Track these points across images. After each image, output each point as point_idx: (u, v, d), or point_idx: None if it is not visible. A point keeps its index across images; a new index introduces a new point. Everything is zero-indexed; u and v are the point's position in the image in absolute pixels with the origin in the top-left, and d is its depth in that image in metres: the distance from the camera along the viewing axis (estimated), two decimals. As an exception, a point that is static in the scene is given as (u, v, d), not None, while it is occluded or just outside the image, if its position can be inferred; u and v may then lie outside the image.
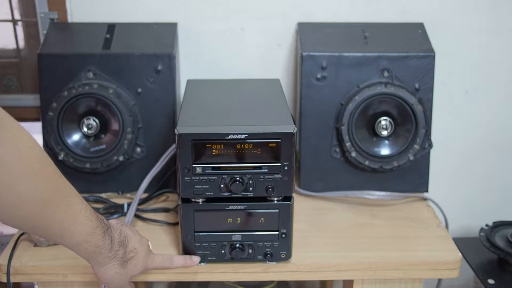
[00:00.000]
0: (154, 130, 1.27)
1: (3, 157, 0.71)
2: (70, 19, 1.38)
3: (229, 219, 1.02)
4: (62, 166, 1.25)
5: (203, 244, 1.03)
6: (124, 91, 1.25)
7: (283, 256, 1.04)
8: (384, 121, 1.24)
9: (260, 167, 0.99)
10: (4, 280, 1.02)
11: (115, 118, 1.23)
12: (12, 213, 0.77)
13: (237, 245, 1.03)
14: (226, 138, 0.96)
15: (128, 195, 1.28)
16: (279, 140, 0.97)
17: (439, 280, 1.38)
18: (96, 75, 1.24)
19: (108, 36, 1.30)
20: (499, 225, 1.41)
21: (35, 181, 0.76)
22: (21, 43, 1.47)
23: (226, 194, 1.00)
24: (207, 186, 0.99)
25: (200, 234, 1.02)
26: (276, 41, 1.42)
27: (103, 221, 0.89)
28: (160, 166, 1.22)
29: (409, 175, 1.29)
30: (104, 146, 1.24)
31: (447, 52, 1.41)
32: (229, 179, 0.99)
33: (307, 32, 1.34)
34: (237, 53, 1.42)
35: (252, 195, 1.00)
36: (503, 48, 1.43)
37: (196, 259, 1.03)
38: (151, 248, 1.01)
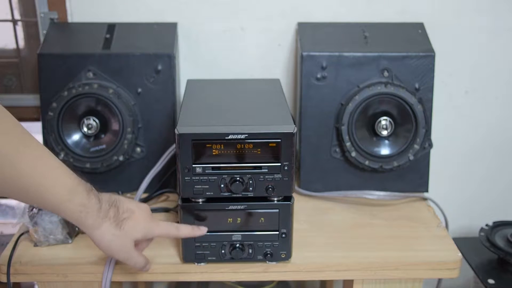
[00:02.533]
0: (154, 130, 1.27)
1: None
2: (70, 19, 1.38)
3: (229, 219, 1.02)
4: (62, 166, 1.25)
5: (203, 244, 1.03)
6: (124, 91, 1.25)
7: (283, 256, 1.04)
8: (384, 121, 1.24)
9: (260, 167, 0.99)
10: (4, 280, 1.02)
11: (115, 118, 1.23)
12: None
13: (237, 245, 1.03)
14: (226, 138, 0.96)
15: (128, 195, 1.28)
16: (279, 140, 0.97)
17: (439, 280, 1.38)
18: (96, 75, 1.24)
19: (108, 36, 1.30)
20: (499, 225, 1.41)
21: None
22: (21, 43, 1.47)
23: (226, 194, 1.00)
24: (207, 186, 0.99)
25: (200, 234, 1.02)
26: (276, 41, 1.42)
27: (85, 182, 0.86)
28: (160, 166, 1.22)
29: (409, 175, 1.29)
30: (104, 146, 1.24)
31: (447, 52, 1.41)
32: (229, 179, 0.99)
33: (307, 32, 1.34)
34: (237, 53, 1.42)
35: (252, 195, 1.00)
36: (503, 48, 1.43)
37: (204, 229, 0.99)
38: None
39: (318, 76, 1.26)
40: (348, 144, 1.25)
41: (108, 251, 0.90)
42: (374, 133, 1.26)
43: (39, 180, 0.79)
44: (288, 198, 1.02)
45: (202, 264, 1.04)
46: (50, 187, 0.81)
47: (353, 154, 1.25)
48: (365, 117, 1.25)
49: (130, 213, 0.91)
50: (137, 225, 0.91)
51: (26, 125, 1.66)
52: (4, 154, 0.76)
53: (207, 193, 1.00)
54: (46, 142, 1.25)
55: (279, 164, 0.99)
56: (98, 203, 0.86)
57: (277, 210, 1.02)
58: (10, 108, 1.57)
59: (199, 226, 0.99)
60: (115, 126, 1.24)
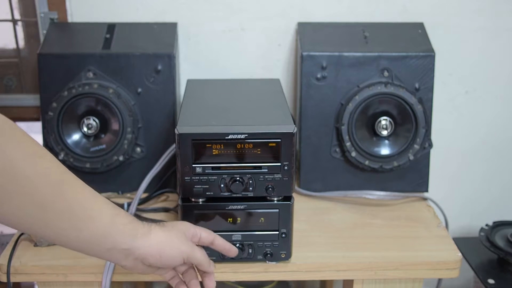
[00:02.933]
0: (154, 130, 1.27)
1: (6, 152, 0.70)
2: (70, 19, 1.38)
3: (229, 219, 1.02)
4: (62, 166, 1.25)
5: (203, 244, 1.03)
6: (124, 91, 1.25)
7: (283, 256, 1.04)
8: (384, 121, 1.24)
9: (260, 167, 0.99)
10: (4, 280, 1.02)
11: (115, 118, 1.23)
12: (29, 202, 0.73)
13: (237, 245, 1.03)
14: (226, 138, 0.96)
15: (128, 195, 1.28)
16: (279, 140, 0.97)
17: (439, 280, 1.38)
18: (96, 75, 1.24)
19: (108, 36, 1.30)
20: (499, 225, 1.41)
21: (42, 163, 0.74)
22: (21, 43, 1.47)
23: (226, 194, 1.00)
24: (207, 186, 0.99)
25: (200, 234, 1.02)
26: (276, 41, 1.42)
27: None
28: (160, 166, 1.22)
29: (409, 175, 1.29)
30: (104, 146, 1.24)
31: (447, 52, 1.41)
32: (229, 179, 0.99)
33: (307, 32, 1.34)
34: (237, 53, 1.42)
35: (252, 195, 1.00)
36: (503, 48, 1.43)
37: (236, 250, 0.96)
38: None
39: (318, 76, 1.26)
40: (348, 144, 1.25)
41: (170, 246, 0.85)
42: (374, 133, 1.26)
43: (91, 205, 0.79)
44: (288, 198, 1.02)
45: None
46: (102, 209, 0.80)
47: (353, 154, 1.25)
48: (365, 117, 1.25)
49: (164, 222, 0.90)
50: (178, 223, 0.89)
51: (26, 125, 1.66)
52: (55, 183, 0.76)
53: (207, 193, 1.00)
54: (46, 142, 1.25)
55: (279, 164, 0.99)
56: (136, 218, 0.85)
57: (277, 210, 1.02)
58: (10, 108, 1.57)
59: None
60: (115, 126, 1.24)
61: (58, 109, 1.22)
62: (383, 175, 1.28)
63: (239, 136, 0.96)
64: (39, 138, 1.27)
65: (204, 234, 0.91)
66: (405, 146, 1.25)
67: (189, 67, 1.43)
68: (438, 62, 1.31)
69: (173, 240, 0.86)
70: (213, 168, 0.99)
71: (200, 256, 0.89)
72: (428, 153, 1.28)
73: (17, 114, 1.48)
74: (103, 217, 0.80)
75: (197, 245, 0.91)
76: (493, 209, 1.56)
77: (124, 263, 0.83)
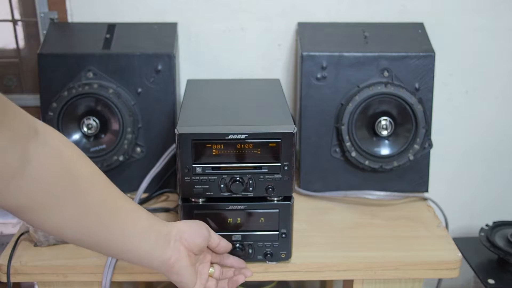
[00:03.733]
0: (154, 130, 1.27)
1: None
2: (70, 19, 1.38)
3: (229, 219, 1.02)
4: (62, 166, 1.25)
5: (203, 244, 1.02)
6: (124, 91, 1.25)
7: (283, 256, 1.04)
8: (384, 121, 1.24)
9: (260, 167, 0.99)
10: (4, 280, 1.02)
11: (115, 118, 1.23)
12: (87, 222, 0.78)
13: (237, 245, 1.03)
14: (226, 138, 0.96)
15: (128, 195, 1.27)
16: (279, 140, 0.97)
17: (439, 280, 1.38)
18: (96, 75, 1.24)
19: (108, 36, 1.30)
20: (499, 225, 1.41)
21: (88, 163, 0.80)
22: (21, 43, 1.47)
23: (226, 194, 1.00)
24: (207, 186, 0.99)
25: (200, 234, 1.02)
26: (276, 41, 1.42)
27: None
28: (160, 166, 1.22)
29: (409, 175, 1.29)
30: (104, 146, 1.24)
31: (447, 52, 1.41)
32: (229, 179, 0.99)
33: (307, 32, 1.34)
34: (237, 53, 1.42)
35: (252, 195, 1.00)
36: (503, 48, 1.43)
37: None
38: None
39: (318, 76, 1.26)
40: (348, 144, 1.25)
41: (197, 229, 0.92)
42: (374, 133, 1.26)
43: (133, 213, 0.85)
44: (288, 198, 1.02)
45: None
46: (141, 216, 0.86)
47: (353, 154, 1.25)
48: (365, 117, 1.25)
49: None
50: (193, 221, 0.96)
51: (26, 125, 1.64)
52: (104, 201, 0.81)
53: (207, 193, 1.00)
54: (46, 142, 1.25)
55: (279, 164, 0.99)
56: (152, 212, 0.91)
57: (277, 210, 1.02)
58: (10, 108, 1.55)
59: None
60: (115, 126, 1.24)
61: (58, 109, 1.22)
62: (383, 175, 1.28)
63: (239, 136, 0.96)
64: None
65: (214, 236, 0.96)
66: (405, 146, 1.25)
67: (189, 67, 1.43)
68: (438, 62, 1.31)
69: (194, 222, 0.94)
70: (213, 168, 0.99)
71: (217, 235, 0.97)
72: (428, 153, 1.28)
73: (17, 114, 1.48)
74: (143, 221, 0.86)
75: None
76: (493, 209, 1.56)
77: (169, 253, 0.88)
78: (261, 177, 0.99)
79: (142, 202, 1.23)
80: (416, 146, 1.25)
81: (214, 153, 0.97)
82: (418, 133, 1.24)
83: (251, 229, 1.03)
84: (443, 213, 1.27)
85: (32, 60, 1.45)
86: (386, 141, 1.26)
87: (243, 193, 1.00)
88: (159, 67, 1.25)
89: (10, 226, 1.40)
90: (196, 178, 0.99)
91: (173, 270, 0.88)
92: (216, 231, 1.02)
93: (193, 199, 1.01)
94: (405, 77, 1.25)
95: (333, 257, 1.07)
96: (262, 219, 1.02)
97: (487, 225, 1.41)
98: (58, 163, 0.73)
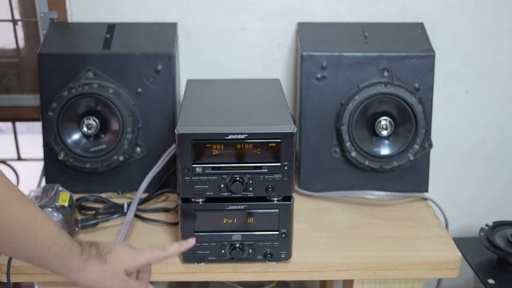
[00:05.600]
0: (154, 130, 1.27)
1: None
2: (70, 19, 1.38)
3: (229, 219, 1.02)
4: (62, 166, 1.25)
5: (203, 244, 1.03)
6: (124, 91, 1.25)
7: (283, 256, 1.04)
8: (384, 121, 1.24)
9: (260, 167, 0.99)
10: (4, 280, 1.02)
11: (115, 118, 1.23)
12: None
13: (237, 245, 1.03)
14: (226, 138, 0.96)
15: (128, 195, 1.28)
16: (279, 140, 0.97)
17: (439, 280, 1.38)
18: (96, 75, 1.24)
19: (108, 36, 1.30)
20: (499, 225, 1.41)
21: None
22: (21, 43, 1.47)
23: (226, 194, 1.00)
24: (207, 186, 0.99)
25: (200, 234, 1.02)
26: (276, 41, 1.42)
27: (63, 229, 0.88)
28: (160, 166, 1.22)
29: (409, 175, 1.29)
30: (104, 146, 1.24)
31: (447, 52, 1.41)
32: (229, 179, 0.99)
33: (307, 32, 1.34)
34: (237, 53, 1.42)
35: (252, 195, 1.00)
36: (503, 48, 1.43)
37: (192, 240, 0.99)
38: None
39: (318, 76, 1.26)
40: (348, 144, 1.25)
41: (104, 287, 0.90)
42: (374, 133, 1.26)
43: (28, 227, 0.81)
44: (288, 198, 1.02)
45: (202, 264, 1.04)
46: (38, 232, 0.82)
47: (353, 154, 1.25)
48: (365, 117, 1.25)
49: (110, 247, 0.92)
50: (121, 256, 0.92)
51: (26, 125, 1.65)
52: (6, 200, 0.79)
53: (207, 193, 1.00)
54: (46, 142, 1.25)
55: (279, 164, 0.99)
56: (79, 245, 0.88)
57: (277, 210, 1.02)
58: (10, 108, 1.57)
59: (186, 240, 0.99)
60: (115, 126, 1.24)
61: (58, 109, 1.22)
62: (383, 175, 1.28)
63: (239, 136, 0.96)
64: (39, 138, 1.27)
65: (152, 255, 0.94)
66: (405, 146, 1.25)
67: (189, 67, 1.43)
68: (438, 62, 1.31)
69: (107, 281, 0.89)
70: (213, 168, 0.99)
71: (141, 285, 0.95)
72: (428, 153, 1.28)
73: (17, 114, 1.48)
74: (37, 243, 0.83)
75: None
76: (493, 209, 1.56)
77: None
78: (261, 177, 0.99)
79: (142, 202, 1.23)
80: (416, 146, 1.25)
81: (214, 153, 0.97)
82: (418, 133, 1.24)
83: (251, 229, 1.03)
84: (443, 213, 1.27)
85: (32, 60, 1.45)
86: (386, 141, 1.26)
87: (243, 193, 1.00)
88: (159, 67, 1.25)
89: (10, 226, 1.40)
90: (196, 178, 0.99)
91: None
92: (216, 231, 1.02)
93: (193, 199, 1.01)
94: (405, 77, 1.25)
95: (333, 257, 1.07)
96: (262, 219, 1.02)
97: (487, 225, 1.41)
98: None
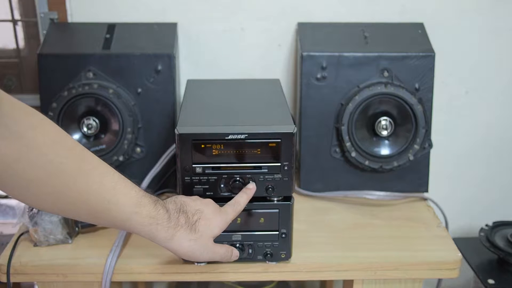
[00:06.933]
0: (154, 130, 1.27)
1: (19, 131, 0.72)
2: (70, 19, 1.38)
3: (229, 219, 1.02)
4: (62, 166, 1.25)
5: (203, 244, 1.02)
6: (124, 91, 1.25)
7: (283, 256, 1.04)
8: (384, 121, 1.24)
9: (260, 167, 0.99)
10: (4, 280, 1.02)
11: (115, 118, 1.23)
12: (42, 190, 0.75)
13: (237, 245, 1.03)
14: (226, 138, 0.96)
15: (128, 195, 1.28)
16: (279, 140, 0.97)
17: (439, 280, 1.38)
18: (96, 75, 1.24)
19: (108, 36, 1.30)
20: (499, 225, 1.41)
21: (56, 151, 0.75)
22: (21, 43, 1.47)
23: (226, 194, 1.00)
24: (207, 186, 0.99)
25: (200, 234, 1.02)
26: (276, 41, 1.42)
27: (150, 194, 0.85)
28: (160, 166, 1.22)
29: (409, 175, 1.29)
30: (104, 146, 1.24)
31: (447, 52, 1.41)
32: (229, 179, 0.99)
33: (307, 32, 1.34)
34: (237, 53, 1.42)
35: (252, 195, 1.00)
36: (503, 48, 1.43)
37: (253, 185, 0.97)
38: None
39: (318, 76, 1.26)
40: (348, 144, 1.25)
41: (192, 257, 0.89)
42: (374, 133, 1.26)
43: (106, 196, 0.80)
44: (288, 198, 1.02)
45: (202, 264, 1.04)
46: (117, 202, 0.80)
47: (353, 154, 1.25)
48: (365, 117, 1.25)
49: (199, 213, 0.90)
50: (210, 223, 0.90)
51: (26, 125, 1.64)
52: (70, 174, 0.77)
53: (207, 193, 1.00)
54: (46, 142, 1.25)
55: (279, 164, 0.99)
56: (166, 213, 0.85)
57: (277, 210, 1.02)
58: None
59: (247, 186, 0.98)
60: (115, 126, 1.24)
61: (58, 109, 1.22)
62: (383, 175, 1.28)
63: (239, 136, 0.96)
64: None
65: (236, 210, 0.95)
66: (405, 146, 1.25)
67: (189, 67, 1.43)
68: (438, 62, 1.31)
69: (195, 251, 0.88)
70: (213, 168, 0.99)
71: (221, 260, 0.95)
72: (428, 153, 1.28)
73: (17, 114, 1.48)
74: (119, 212, 0.81)
75: None
76: (493, 209, 1.56)
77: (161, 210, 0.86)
78: (261, 177, 0.99)
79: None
80: (416, 146, 1.25)
81: (214, 153, 0.97)
82: (418, 133, 1.24)
83: (251, 229, 1.03)
84: (443, 213, 1.27)
85: (32, 60, 1.45)
86: (386, 141, 1.26)
87: (243, 193, 1.00)
88: (159, 67, 1.25)
89: (10, 226, 1.40)
90: (196, 178, 0.99)
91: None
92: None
93: (193, 199, 1.01)
94: (405, 77, 1.25)
95: (333, 257, 1.07)
96: (262, 219, 1.02)
97: (487, 225, 1.41)
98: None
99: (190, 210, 0.89)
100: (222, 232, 1.01)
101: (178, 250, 0.87)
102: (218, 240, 1.02)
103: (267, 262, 1.05)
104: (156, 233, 0.84)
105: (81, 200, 0.78)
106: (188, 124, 0.99)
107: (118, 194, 0.81)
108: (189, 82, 1.24)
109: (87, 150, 0.81)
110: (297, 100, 1.35)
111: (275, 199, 1.02)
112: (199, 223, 0.89)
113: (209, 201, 0.95)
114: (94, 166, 0.80)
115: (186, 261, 1.04)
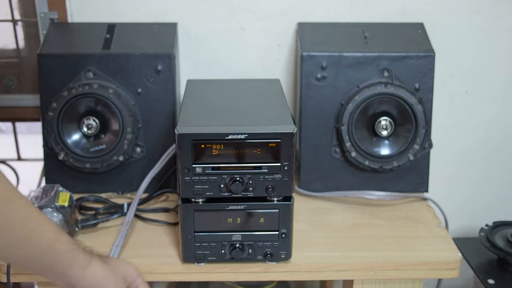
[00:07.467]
0: (154, 130, 1.27)
1: None
2: (70, 19, 1.38)
3: (229, 219, 1.02)
4: (62, 166, 1.25)
5: (203, 244, 1.03)
6: (124, 91, 1.25)
7: (283, 256, 1.04)
8: (384, 121, 1.24)
9: (260, 167, 0.99)
10: (4, 280, 1.02)
11: (115, 118, 1.23)
12: None
13: (237, 245, 1.03)
14: (226, 138, 0.96)
15: (128, 195, 1.28)
16: (279, 140, 0.97)
17: (439, 280, 1.38)
18: (96, 75, 1.24)
19: (108, 36, 1.30)
20: (499, 225, 1.41)
21: None
22: (21, 43, 1.47)
23: (226, 194, 1.00)
24: (207, 186, 0.99)
25: (200, 234, 1.02)
26: (276, 41, 1.42)
27: (64, 229, 0.89)
28: (160, 166, 1.22)
29: (409, 175, 1.29)
30: (104, 146, 1.24)
31: (447, 52, 1.41)
32: (229, 179, 0.99)
33: (307, 32, 1.34)
34: (237, 53, 1.42)
35: (252, 195, 1.00)
36: (503, 48, 1.43)
37: None
38: None
39: (318, 76, 1.26)
40: (348, 144, 1.25)
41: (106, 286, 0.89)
42: (374, 133, 1.26)
43: (33, 225, 0.81)
44: (288, 198, 1.02)
45: (202, 264, 1.04)
46: (42, 231, 0.82)
47: (353, 154, 1.25)
48: (365, 117, 1.25)
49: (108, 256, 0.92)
50: (121, 262, 0.92)
51: (26, 125, 1.65)
52: (12, 199, 0.79)
53: (207, 193, 1.00)
54: (46, 142, 1.25)
55: (279, 164, 0.99)
56: (81, 243, 0.88)
57: (277, 210, 1.02)
58: (10, 108, 1.57)
59: None
60: (115, 126, 1.24)
61: (58, 109, 1.22)
62: (383, 175, 1.28)
63: (239, 136, 0.96)
64: (39, 138, 1.27)
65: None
66: (405, 146, 1.25)
67: (189, 67, 1.43)
68: (438, 62, 1.31)
69: (109, 281, 0.87)
70: (213, 168, 0.99)
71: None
72: (428, 153, 1.28)
73: (17, 114, 1.48)
74: (42, 239, 0.82)
75: None
76: (493, 209, 1.56)
77: (59, 285, 0.86)
78: (261, 177, 0.99)
79: (142, 202, 1.23)
80: (416, 146, 1.25)
81: (214, 153, 0.97)
82: (418, 133, 1.24)
83: (251, 229, 1.03)
84: (443, 213, 1.27)
85: (32, 60, 1.45)
86: (386, 141, 1.26)
87: (243, 193, 1.00)
88: (159, 67, 1.25)
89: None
90: (196, 178, 0.99)
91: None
92: (216, 231, 1.02)
93: (193, 199, 1.01)
94: (405, 77, 1.25)
95: (333, 257, 1.07)
96: (262, 219, 1.02)
97: (487, 225, 1.41)
98: None
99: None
100: (222, 232, 1.02)
101: (93, 280, 0.86)
102: (218, 239, 1.02)
103: (267, 262, 1.05)
104: (75, 258, 0.84)
105: (5, 229, 0.79)
106: (188, 124, 0.99)
107: (42, 224, 0.82)
108: (189, 82, 1.24)
109: (9, 181, 0.80)
110: (297, 100, 1.35)
111: (275, 199, 1.02)
112: (110, 259, 0.91)
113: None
114: (19, 195, 0.81)
115: (186, 261, 1.04)
